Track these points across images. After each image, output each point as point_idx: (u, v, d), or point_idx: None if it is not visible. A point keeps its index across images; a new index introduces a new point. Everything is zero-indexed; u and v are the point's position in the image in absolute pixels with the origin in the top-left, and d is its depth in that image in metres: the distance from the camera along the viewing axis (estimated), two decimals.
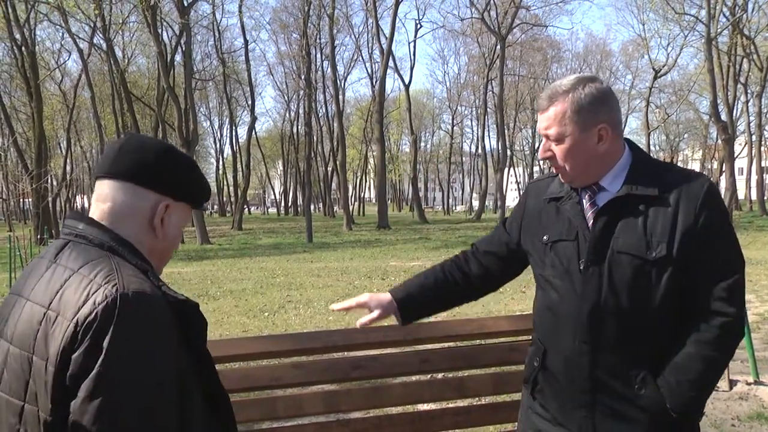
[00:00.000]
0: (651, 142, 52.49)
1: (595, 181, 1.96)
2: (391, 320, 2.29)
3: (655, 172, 1.93)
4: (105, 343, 1.21)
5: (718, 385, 5.52)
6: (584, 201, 1.98)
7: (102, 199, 1.45)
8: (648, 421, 1.87)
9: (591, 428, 1.91)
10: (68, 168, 46.50)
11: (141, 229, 1.46)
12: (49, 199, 31.83)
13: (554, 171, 2.01)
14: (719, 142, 35.22)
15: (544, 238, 2.03)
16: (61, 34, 39.37)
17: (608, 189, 1.95)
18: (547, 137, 1.95)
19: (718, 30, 31.84)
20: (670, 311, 1.86)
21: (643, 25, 45.91)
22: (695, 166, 73.08)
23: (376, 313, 2.24)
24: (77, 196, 58.41)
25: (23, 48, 30.10)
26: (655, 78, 46.77)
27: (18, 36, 29.83)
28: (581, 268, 1.90)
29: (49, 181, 32.76)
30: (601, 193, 1.96)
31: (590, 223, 1.93)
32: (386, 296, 2.28)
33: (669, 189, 1.87)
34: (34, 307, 1.32)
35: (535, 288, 2.19)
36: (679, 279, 1.83)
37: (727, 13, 32.42)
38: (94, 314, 1.23)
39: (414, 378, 2.80)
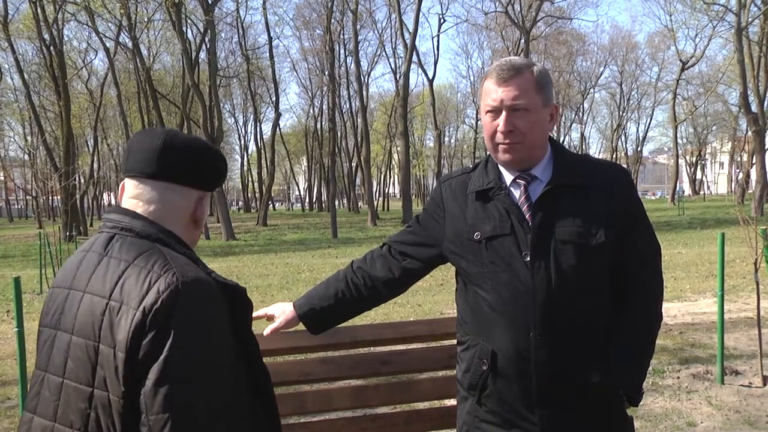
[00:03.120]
0: (678, 135, 51.82)
1: (531, 166, 1.97)
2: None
3: (576, 162, 2.01)
4: (172, 329, 1.29)
5: (750, 381, 5.46)
6: (514, 193, 1.97)
7: (146, 200, 1.50)
8: (601, 407, 1.92)
9: (551, 423, 1.88)
10: (95, 166, 47.08)
11: (185, 224, 1.54)
12: (77, 196, 32.22)
13: (502, 148, 1.93)
14: (749, 134, 34.64)
15: (476, 235, 1.95)
16: (87, 33, 39.72)
17: (540, 178, 1.96)
18: (514, 108, 1.89)
19: (749, 20, 31.25)
20: (609, 295, 1.96)
21: (670, 16, 45.51)
22: (724, 159, 72.04)
23: (277, 323, 2.27)
24: (104, 194, 59.08)
25: (51, 48, 30.46)
26: (682, 70, 46.23)
27: (47, 36, 30.20)
28: (527, 260, 1.87)
29: (77, 178, 33.19)
30: (534, 183, 1.96)
31: (527, 215, 1.91)
32: (291, 308, 2.27)
33: (594, 179, 1.95)
34: (94, 299, 1.39)
35: (457, 289, 2.15)
36: (612, 263, 1.93)
37: (759, 2, 31.79)
38: (160, 302, 1.30)
39: (441, 373, 2.78)
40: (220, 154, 1.61)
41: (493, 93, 1.90)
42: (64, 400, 1.38)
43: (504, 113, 1.89)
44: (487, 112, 1.93)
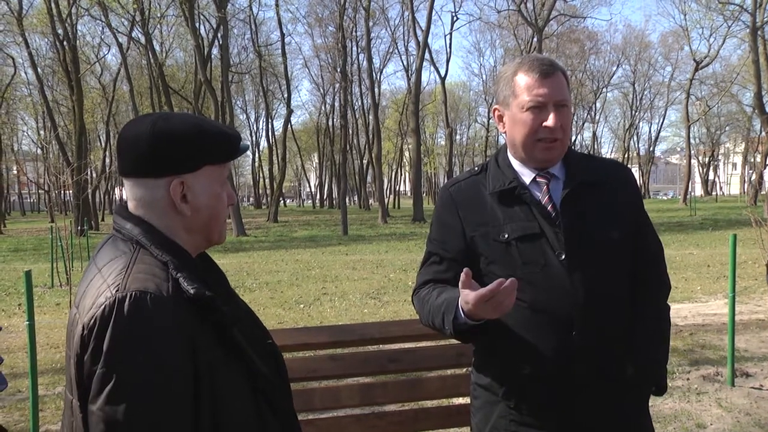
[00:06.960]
0: (691, 135, 51.46)
1: (554, 164, 1.96)
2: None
3: (584, 161, 2.02)
4: (105, 346, 1.24)
5: (761, 383, 5.42)
6: (537, 192, 1.93)
7: (128, 197, 1.45)
8: (634, 400, 1.94)
9: (591, 420, 1.86)
10: (107, 160, 47.25)
11: (167, 216, 1.43)
12: (89, 191, 32.39)
13: (546, 146, 1.88)
14: (763, 134, 34.39)
15: (502, 236, 1.88)
16: (101, 28, 39.99)
17: (559, 177, 1.96)
18: (561, 104, 1.87)
19: (765, 19, 30.99)
20: (629, 290, 1.96)
21: (684, 15, 45.03)
22: (737, 160, 71.51)
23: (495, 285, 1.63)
24: (116, 188, 59.32)
25: (65, 42, 30.64)
26: (696, 69, 45.87)
27: (60, 31, 30.38)
28: (561, 259, 1.83)
29: (89, 173, 33.36)
30: (554, 182, 1.95)
31: (553, 214, 1.89)
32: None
33: (605, 177, 1.98)
34: (73, 308, 1.39)
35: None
36: (630, 258, 1.95)
37: None
38: (94, 319, 1.27)
39: (449, 371, 2.77)
40: (180, 134, 1.41)
41: (539, 88, 1.85)
42: (67, 412, 1.38)
43: (552, 109, 1.85)
44: (531, 108, 1.85)
